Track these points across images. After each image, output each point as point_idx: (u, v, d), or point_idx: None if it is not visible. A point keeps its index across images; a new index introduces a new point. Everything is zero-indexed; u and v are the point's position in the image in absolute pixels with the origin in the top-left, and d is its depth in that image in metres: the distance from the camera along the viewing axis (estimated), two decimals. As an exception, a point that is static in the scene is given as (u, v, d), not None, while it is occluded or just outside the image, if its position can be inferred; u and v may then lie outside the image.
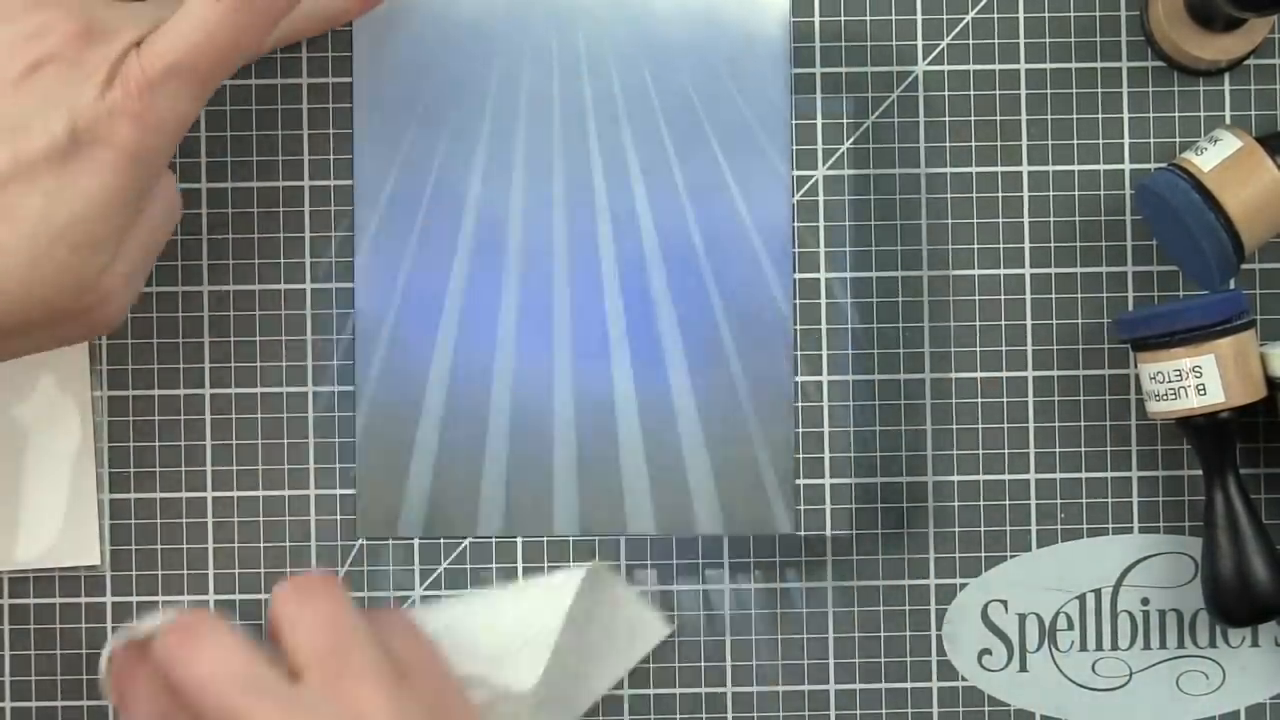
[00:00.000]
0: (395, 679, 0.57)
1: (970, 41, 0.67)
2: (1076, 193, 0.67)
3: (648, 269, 0.67)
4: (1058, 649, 0.67)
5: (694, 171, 0.67)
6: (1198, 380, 0.63)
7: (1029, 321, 0.67)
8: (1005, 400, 0.67)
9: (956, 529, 0.67)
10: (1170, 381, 0.63)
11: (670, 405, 0.67)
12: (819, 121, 0.67)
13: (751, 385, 0.67)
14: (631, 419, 0.67)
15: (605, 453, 0.67)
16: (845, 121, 0.67)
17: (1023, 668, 0.67)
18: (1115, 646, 0.67)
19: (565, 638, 0.63)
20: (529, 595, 0.63)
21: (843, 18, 0.67)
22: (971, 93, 0.67)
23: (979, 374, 0.67)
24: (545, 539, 0.67)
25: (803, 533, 0.67)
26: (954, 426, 0.67)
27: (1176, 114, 0.67)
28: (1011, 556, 0.67)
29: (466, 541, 0.67)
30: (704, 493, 0.67)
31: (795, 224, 0.67)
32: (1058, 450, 0.67)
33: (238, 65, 0.58)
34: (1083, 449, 0.67)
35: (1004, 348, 0.67)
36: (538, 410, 0.67)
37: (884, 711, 0.67)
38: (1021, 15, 0.67)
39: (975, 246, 0.67)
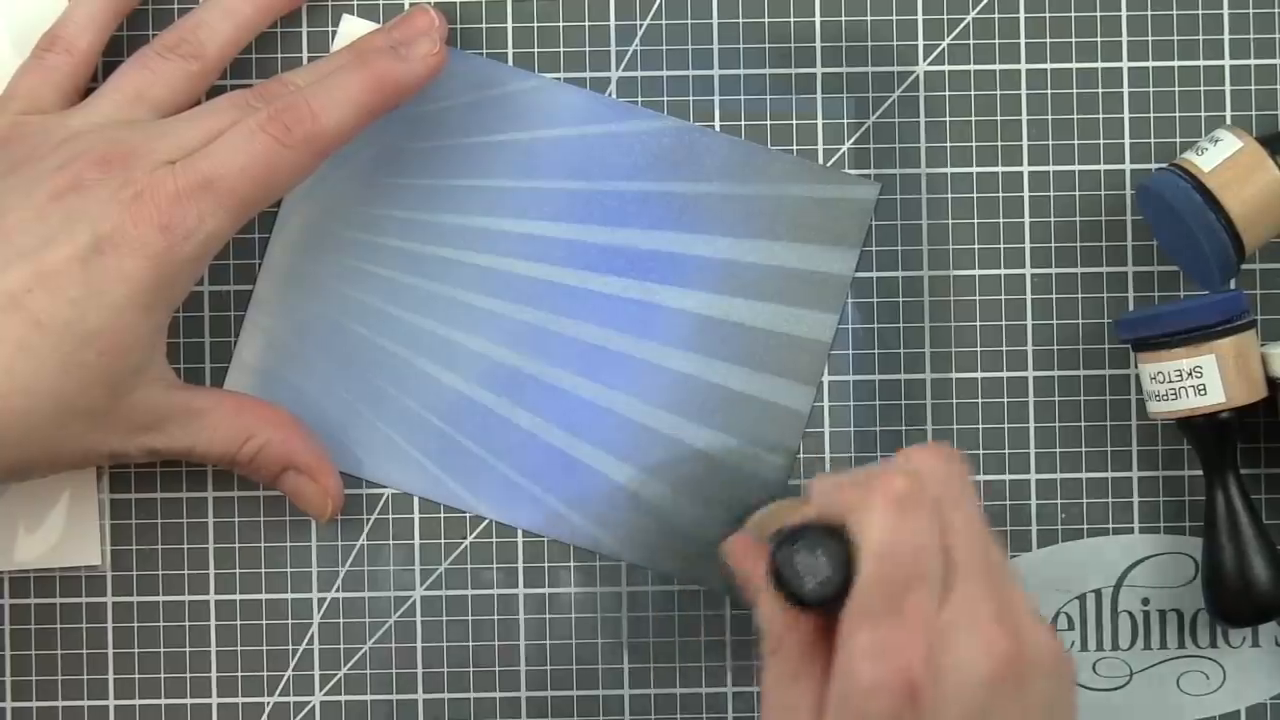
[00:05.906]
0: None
1: (970, 41, 0.67)
2: (1076, 193, 0.67)
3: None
4: (1058, 649, 0.67)
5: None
6: (1198, 380, 0.63)
7: (1029, 321, 0.67)
8: (1005, 400, 0.67)
9: (956, 529, 0.67)
10: (1170, 382, 0.63)
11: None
12: (819, 121, 0.67)
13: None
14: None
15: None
16: (845, 121, 0.67)
17: (1023, 668, 0.67)
18: (1115, 646, 0.67)
19: None
20: None
21: (843, 18, 0.67)
22: (972, 93, 0.67)
23: (979, 374, 0.67)
24: (546, 540, 0.67)
25: (803, 533, 0.67)
26: (954, 427, 0.67)
27: (1177, 114, 0.67)
28: (1011, 556, 0.67)
29: (467, 542, 0.67)
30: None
31: (795, 224, 0.67)
32: (1058, 450, 0.67)
33: (282, 191, 0.61)
34: (1083, 449, 0.67)
35: (1004, 348, 0.67)
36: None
37: (884, 711, 0.67)
38: (1022, 15, 0.67)
39: (975, 246, 0.67)
